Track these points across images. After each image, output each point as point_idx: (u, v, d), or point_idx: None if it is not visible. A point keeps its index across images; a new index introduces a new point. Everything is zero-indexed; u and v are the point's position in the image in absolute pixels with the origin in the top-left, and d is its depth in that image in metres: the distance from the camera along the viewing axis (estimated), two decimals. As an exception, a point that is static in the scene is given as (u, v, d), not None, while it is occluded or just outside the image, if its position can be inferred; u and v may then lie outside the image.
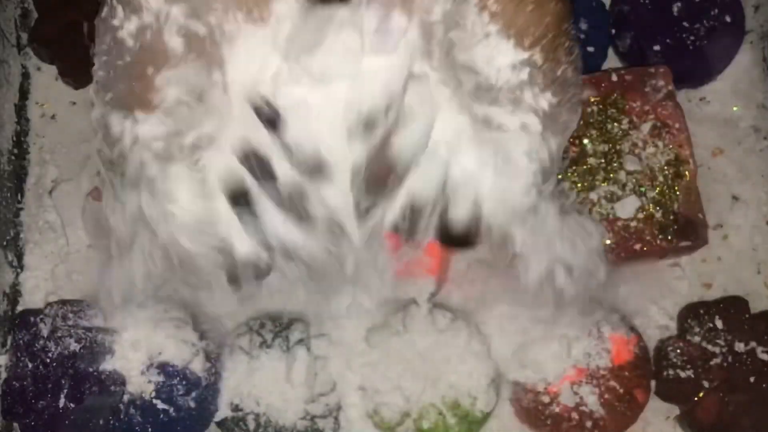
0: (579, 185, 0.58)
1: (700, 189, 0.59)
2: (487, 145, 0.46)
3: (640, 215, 0.58)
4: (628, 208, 0.58)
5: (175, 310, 0.58)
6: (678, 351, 0.58)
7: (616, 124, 0.59)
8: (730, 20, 0.63)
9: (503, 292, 0.60)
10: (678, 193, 0.58)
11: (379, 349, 0.57)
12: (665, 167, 0.59)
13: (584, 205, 0.58)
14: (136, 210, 0.47)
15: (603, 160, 0.59)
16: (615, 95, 0.60)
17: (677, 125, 0.59)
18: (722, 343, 0.57)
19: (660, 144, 0.59)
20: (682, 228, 0.58)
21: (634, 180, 0.58)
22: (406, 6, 0.43)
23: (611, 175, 0.58)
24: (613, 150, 0.59)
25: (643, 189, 0.58)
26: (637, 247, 0.58)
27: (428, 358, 0.56)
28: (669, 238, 0.58)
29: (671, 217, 0.58)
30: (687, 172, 0.59)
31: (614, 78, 0.60)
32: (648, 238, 0.58)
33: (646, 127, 0.59)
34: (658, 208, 0.58)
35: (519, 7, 0.42)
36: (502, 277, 0.60)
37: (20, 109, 0.66)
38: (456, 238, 0.47)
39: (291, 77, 0.43)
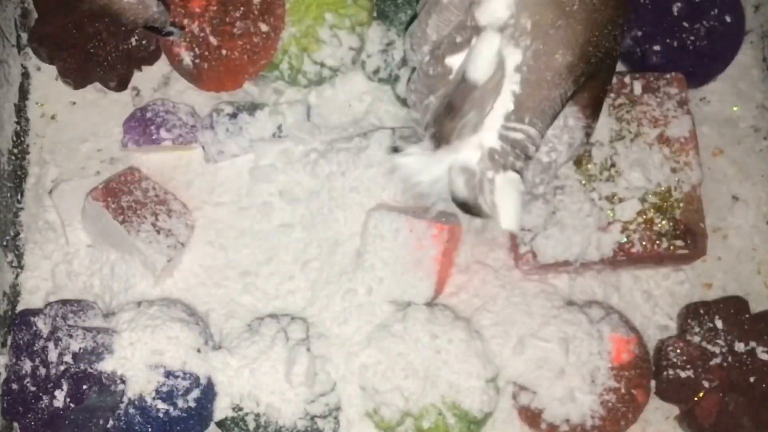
0: (582, 184, 0.58)
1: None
2: None
3: (640, 219, 0.58)
4: (628, 211, 0.58)
5: (176, 310, 0.58)
6: (678, 351, 0.58)
7: (625, 125, 0.59)
8: (730, 20, 0.64)
9: (503, 292, 0.60)
10: (680, 200, 0.58)
11: (379, 349, 0.57)
12: (670, 174, 0.58)
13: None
14: None
15: (608, 162, 0.59)
16: (626, 99, 0.60)
17: (687, 133, 0.59)
18: (722, 343, 0.57)
19: (667, 151, 0.59)
20: (681, 236, 0.58)
21: (637, 184, 0.58)
22: None
23: (614, 177, 0.58)
24: (619, 153, 0.59)
25: (645, 194, 0.58)
26: (634, 251, 0.58)
27: (428, 358, 0.56)
28: (667, 245, 0.58)
29: (671, 224, 0.58)
30: (692, 181, 0.59)
31: (627, 81, 0.60)
32: (645, 243, 0.58)
33: (654, 133, 0.59)
34: (658, 214, 0.58)
35: None
36: (501, 277, 0.61)
37: (20, 109, 0.66)
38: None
39: None
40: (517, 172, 0.43)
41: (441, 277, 0.59)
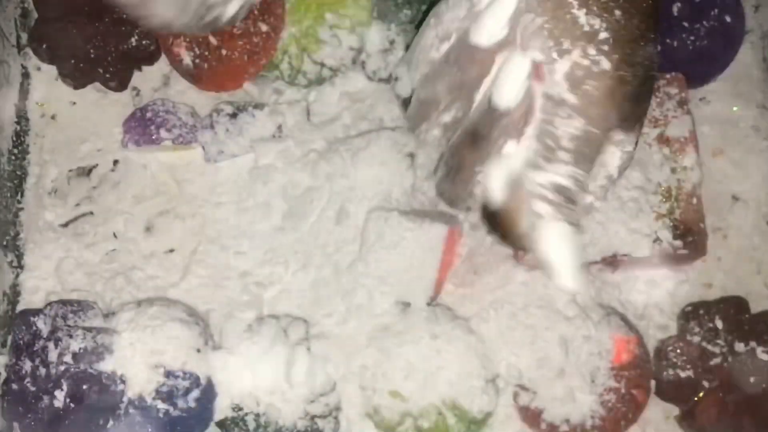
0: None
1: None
2: None
3: (640, 219, 0.58)
4: (627, 211, 0.58)
5: (176, 310, 0.58)
6: (678, 351, 0.58)
7: None
8: (730, 20, 0.63)
9: (503, 292, 0.60)
10: (680, 200, 0.58)
11: (379, 349, 0.57)
12: (670, 174, 0.58)
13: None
14: None
15: None
16: None
17: (686, 133, 0.59)
18: (722, 343, 0.57)
19: (667, 151, 0.59)
20: (681, 236, 0.58)
21: (637, 184, 0.58)
22: None
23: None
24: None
25: (645, 195, 0.58)
26: (634, 251, 0.57)
27: (428, 358, 0.56)
28: (667, 245, 0.57)
29: (671, 225, 0.58)
30: (692, 181, 0.58)
31: None
32: (645, 243, 0.57)
33: (654, 133, 0.59)
34: (658, 214, 0.58)
35: None
36: (502, 277, 0.61)
37: (20, 109, 0.66)
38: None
39: None
40: (574, 224, 0.39)
41: (441, 278, 0.59)
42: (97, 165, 0.65)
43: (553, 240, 0.38)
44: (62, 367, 0.56)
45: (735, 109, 0.65)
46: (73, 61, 0.64)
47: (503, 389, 0.58)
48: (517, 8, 0.38)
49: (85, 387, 0.56)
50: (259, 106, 0.63)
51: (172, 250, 0.63)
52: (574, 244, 0.39)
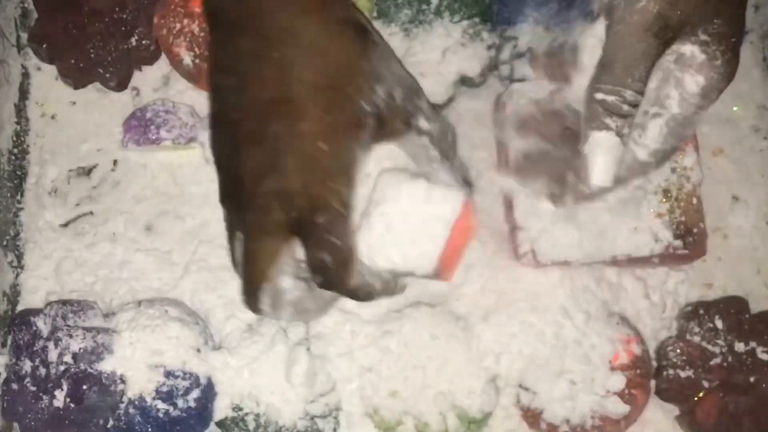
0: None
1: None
2: None
3: (640, 220, 0.58)
4: (628, 211, 0.58)
5: (176, 310, 0.58)
6: (678, 351, 0.58)
7: None
8: (730, 20, 0.63)
9: (503, 292, 0.60)
10: (680, 200, 0.58)
11: (379, 349, 0.57)
12: (670, 174, 0.58)
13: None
14: None
15: None
16: None
17: None
18: (722, 343, 0.57)
19: None
20: (681, 236, 0.58)
21: (637, 184, 0.58)
22: None
23: None
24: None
25: (645, 195, 0.58)
26: (634, 251, 0.57)
27: (428, 358, 0.56)
28: (667, 245, 0.57)
29: (671, 225, 0.58)
30: (692, 181, 0.58)
31: None
32: (644, 243, 0.57)
33: None
34: (658, 214, 0.58)
35: None
36: (503, 277, 0.61)
37: (20, 109, 0.66)
38: None
39: None
40: (614, 129, 0.45)
41: (448, 254, 0.53)
42: (97, 165, 0.65)
43: (594, 147, 0.46)
44: (62, 367, 0.56)
45: (735, 109, 0.65)
46: (73, 61, 0.64)
47: (503, 389, 0.58)
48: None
49: (85, 387, 0.56)
50: (259, 106, 0.63)
51: (172, 250, 0.63)
52: (610, 150, 0.46)
